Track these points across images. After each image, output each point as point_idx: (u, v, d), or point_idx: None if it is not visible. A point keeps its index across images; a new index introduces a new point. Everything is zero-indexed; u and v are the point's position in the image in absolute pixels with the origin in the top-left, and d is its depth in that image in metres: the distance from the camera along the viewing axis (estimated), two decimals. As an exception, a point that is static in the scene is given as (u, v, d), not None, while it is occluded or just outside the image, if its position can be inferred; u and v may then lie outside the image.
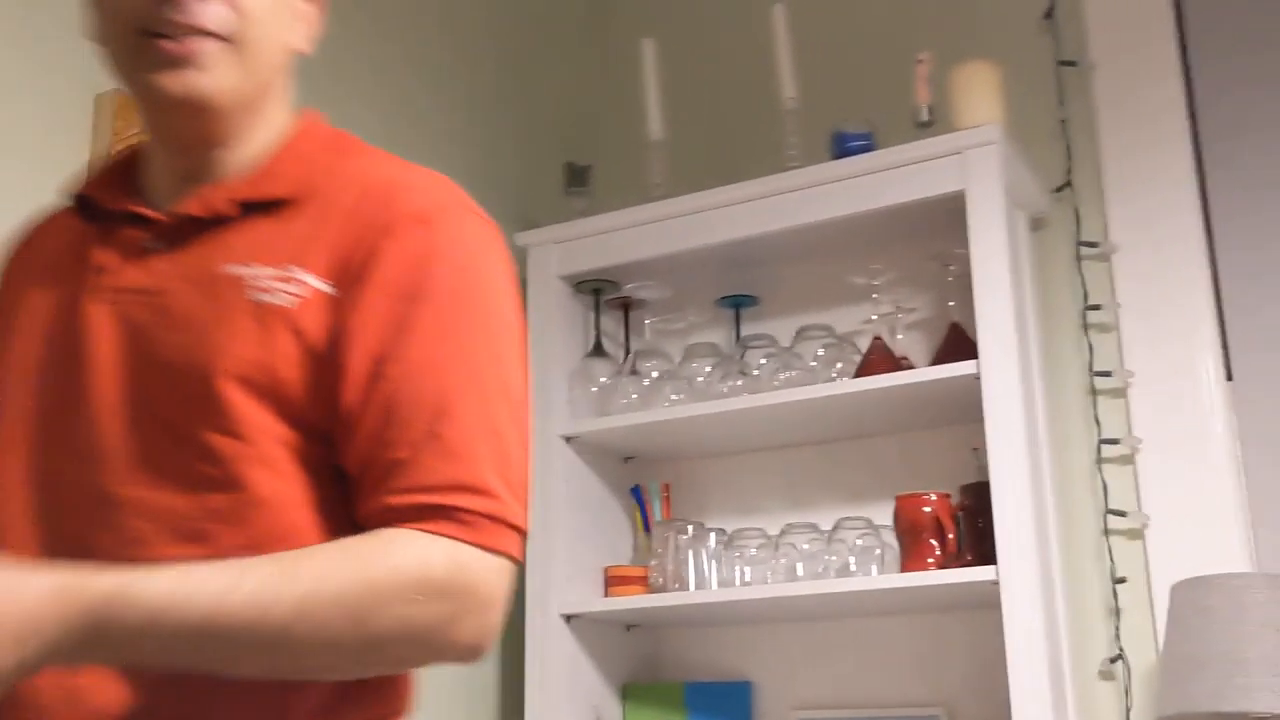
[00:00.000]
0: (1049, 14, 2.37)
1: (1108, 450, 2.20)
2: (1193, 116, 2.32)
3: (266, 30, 1.04)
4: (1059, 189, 2.32)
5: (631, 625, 2.47)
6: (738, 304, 2.48)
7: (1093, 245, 2.28)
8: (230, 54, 1.02)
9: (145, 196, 1.09)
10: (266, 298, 0.99)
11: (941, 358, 2.17)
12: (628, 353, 2.49)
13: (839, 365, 2.27)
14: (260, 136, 1.08)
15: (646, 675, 2.48)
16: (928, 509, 2.09)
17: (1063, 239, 2.31)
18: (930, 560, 2.08)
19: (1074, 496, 2.21)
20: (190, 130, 1.05)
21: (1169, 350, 2.19)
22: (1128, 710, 2.09)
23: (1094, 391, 2.24)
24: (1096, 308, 2.25)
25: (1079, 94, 2.35)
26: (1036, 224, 2.32)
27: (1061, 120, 2.34)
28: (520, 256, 2.51)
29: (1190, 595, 1.90)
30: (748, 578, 2.26)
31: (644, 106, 2.47)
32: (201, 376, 0.97)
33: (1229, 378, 2.21)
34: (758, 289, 2.49)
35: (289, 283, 1.00)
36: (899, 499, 2.13)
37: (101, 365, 1.00)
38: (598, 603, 2.32)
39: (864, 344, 2.28)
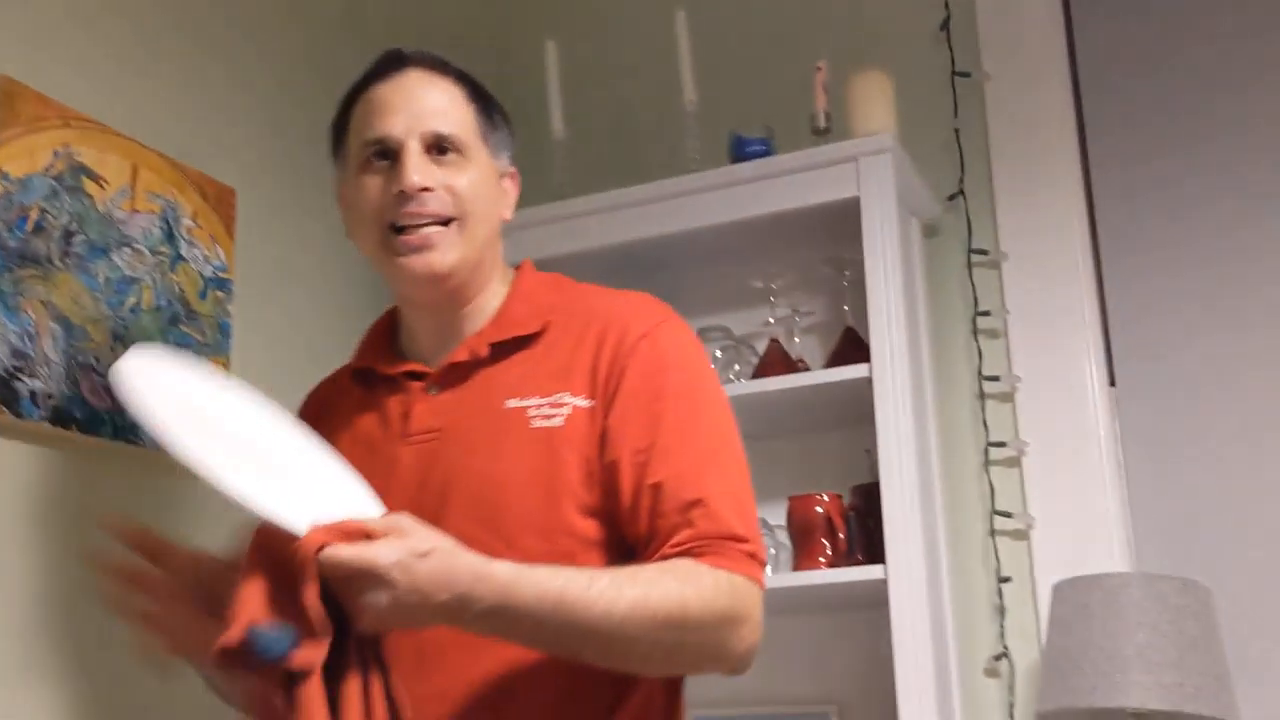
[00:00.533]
0: (944, 25, 2.42)
1: (995, 453, 2.25)
2: (1081, 129, 2.39)
3: (479, 207, 1.37)
4: (951, 197, 2.37)
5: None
6: (637, 305, 2.49)
7: (983, 253, 2.33)
8: (454, 233, 1.35)
9: (413, 355, 1.42)
10: (544, 423, 1.29)
11: (835, 360, 2.20)
12: (527, 352, 2.49)
13: (736, 367, 2.29)
14: (493, 289, 1.41)
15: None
16: (819, 509, 2.12)
17: (954, 246, 2.36)
18: (821, 559, 2.11)
19: (962, 497, 2.26)
20: (434, 296, 1.37)
21: (1055, 356, 2.25)
22: (1011, 706, 2.14)
23: (983, 395, 2.29)
24: (986, 314, 2.31)
25: (972, 104, 2.40)
26: (930, 230, 2.37)
27: (955, 130, 2.39)
28: (419, 254, 2.49)
29: (1071, 594, 1.96)
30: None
31: (546, 107, 2.47)
32: (503, 498, 1.28)
33: (1112, 384, 2.28)
34: (656, 290, 2.43)
35: (559, 406, 1.29)
36: (792, 499, 2.16)
37: (417, 494, 1.29)
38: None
39: (761, 346, 2.31)
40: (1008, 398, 2.27)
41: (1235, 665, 1.93)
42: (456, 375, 1.36)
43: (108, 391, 1.74)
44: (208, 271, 2.04)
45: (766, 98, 2.50)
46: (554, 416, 1.29)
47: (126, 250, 1.91)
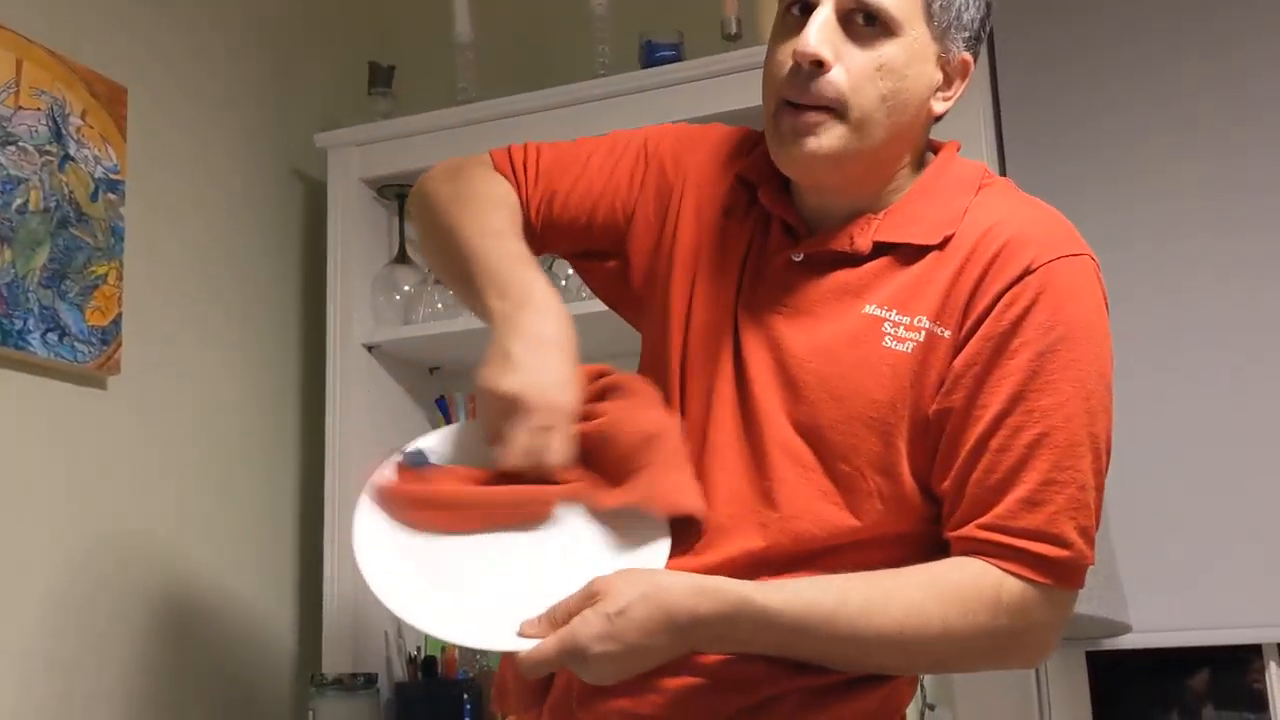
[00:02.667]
0: None
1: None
2: (992, 67, 2.38)
3: (872, 100, 1.16)
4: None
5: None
6: (545, 212, 2.46)
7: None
8: (841, 124, 1.16)
9: (798, 205, 1.26)
10: (898, 346, 1.16)
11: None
12: (432, 260, 2.45)
13: (643, 276, 2.28)
14: (893, 184, 1.23)
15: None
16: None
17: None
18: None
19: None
20: (816, 183, 1.23)
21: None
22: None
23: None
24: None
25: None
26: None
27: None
28: (320, 158, 2.43)
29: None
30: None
31: (451, 8, 2.41)
32: (841, 414, 1.17)
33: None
34: None
35: (915, 331, 1.15)
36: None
37: (752, 367, 1.20)
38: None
39: (669, 255, 2.29)
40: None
41: (1124, 566, 2.01)
42: (829, 259, 1.21)
43: (-5, 296, 1.68)
44: (99, 172, 1.97)
45: (677, 3, 2.47)
46: (906, 341, 1.15)
47: (11, 149, 1.83)
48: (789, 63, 1.17)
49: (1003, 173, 2.31)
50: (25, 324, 1.82)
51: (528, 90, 2.29)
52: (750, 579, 1.13)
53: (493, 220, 1.32)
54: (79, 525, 1.93)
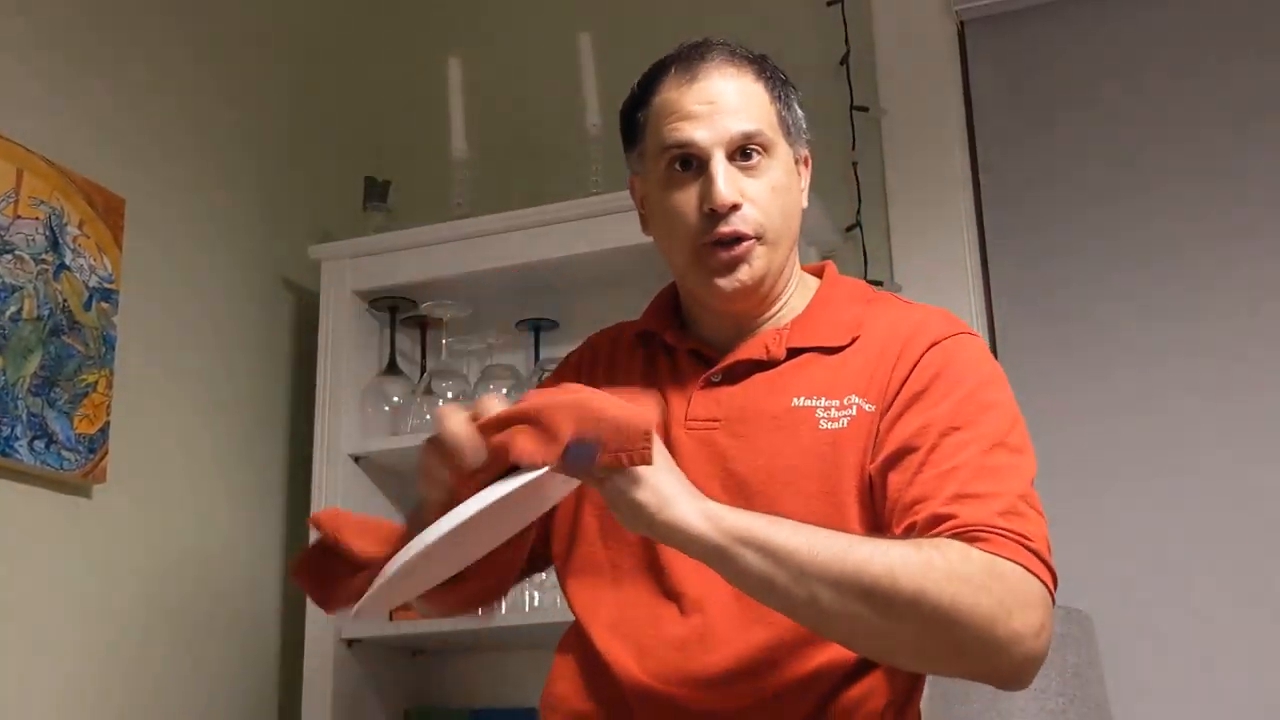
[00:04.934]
0: (844, 61, 2.46)
1: (887, 481, 2.28)
2: (974, 166, 2.45)
3: (784, 214, 1.32)
4: (849, 228, 2.40)
5: (417, 651, 2.43)
6: (537, 326, 2.47)
7: (878, 284, 2.36)
8: (762, 246, 1.30)
9: (698, 333, 1.38)
10: (833, 425, 1.25)
11: (733, 387, 2.21)
12: (423, 372, 2.46)
13: (634, 391, 2.29)
14: (792, 287, 1.37)
15: (431, 701, 2.44)
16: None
17: (852, 276, 2.39)
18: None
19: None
20: (743, 306, 1.34)
21: (946, 387, 2.28)
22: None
23: (876, 424, 2.31)
24: (880, 344, 2.33)
25: (870, 139, 2.44)
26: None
27: (853, 163, 2.43)
28: (314, 270, 2.45)
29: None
30: (537, 602, 2.25)
31: (448, 124, 2.46)
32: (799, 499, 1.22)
33: (1000, 415, 2.32)
34: (558, 312, 2.49)
35: (847, 409, 1.26)
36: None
37: (697, 480, 1.17)
38: (383, 627, 2.27)
39: (659, 371, 2.31)
40: (900, 427, 2.30)
41: (1115, 692, 1.98)
42: (745, 369, 1.33)
43: (-17, 403, 1.67)
44: (93, 281, 1.99)
45: (669, 124, 2.51)
46: (840, 419, 1.26)
47: (8, 257, 1.85)
48: (698, 212, 1.29)
49: (985, 271, 2.34)
50: (13, 431, 1.81)
51: (522, 207, 2.32)
52: (759, 672, 1.20)
53: None
54: (61, 633, 1.90)
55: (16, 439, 1.82)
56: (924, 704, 2.10)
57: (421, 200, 2.58)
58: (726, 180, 1.28)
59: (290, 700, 2.28)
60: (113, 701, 1.98)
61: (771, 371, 1.32)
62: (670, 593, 1.27)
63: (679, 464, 1.17)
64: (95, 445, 1.95)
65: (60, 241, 1.93)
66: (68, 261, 1.94)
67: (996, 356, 2.33)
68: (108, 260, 2.01)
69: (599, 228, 2.27)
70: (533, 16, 2.78)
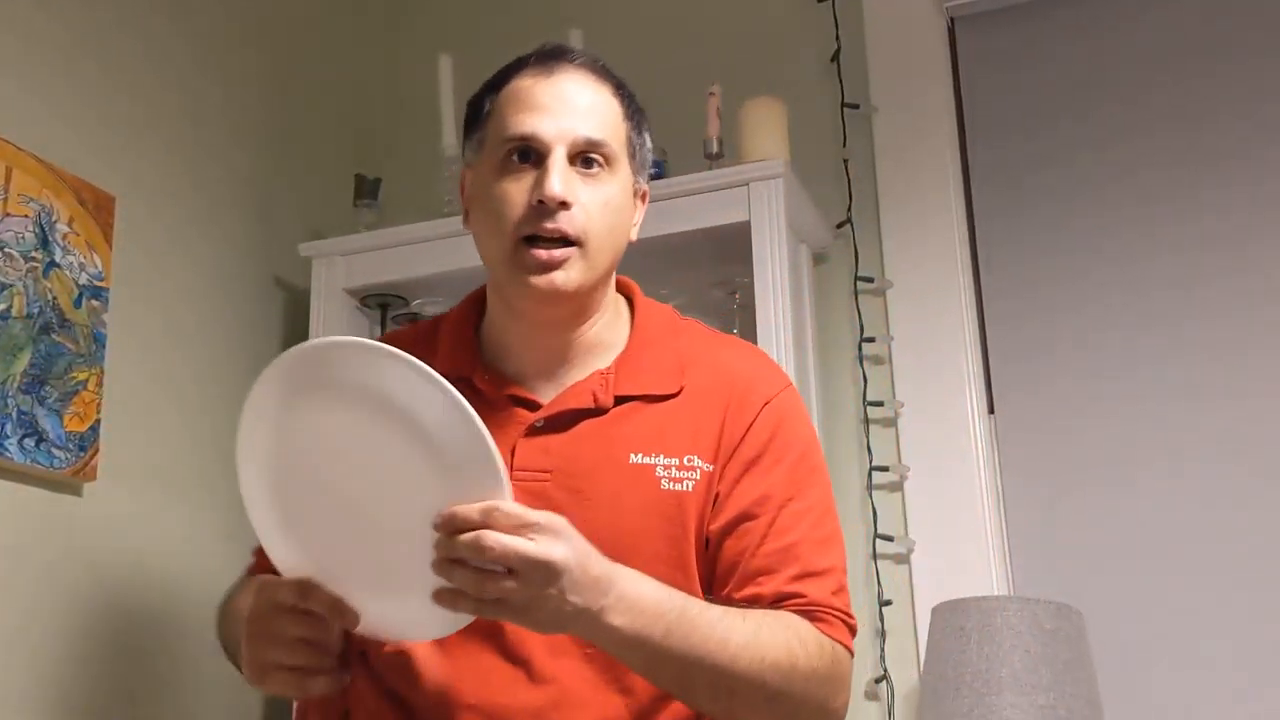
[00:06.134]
0: (834, 58, 2.46)
1: (878, 477, 2.28)
2: (964, 162, 2.45)
3: (611, 231, 1.30)
4: (840, 225, 2.41)
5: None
6: (527, 324, 2.47)
7: (869, 281, 2.37)
8: (581, 255, 1.27)
9: (512, 372, 1.33)
10: (676, 486, 1.26)
11: (724, 384, 2.21)
12: (414, 370, 2.45)
13: (625, 388, 2.29)
14: (607, 315, 1.35)
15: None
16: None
17: (843, 273, 2.40)
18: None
19: (846, 520, 2.26)
20: (552, 315, 1.31)
21: (936, 384, 2.29)
22: (890, 729, 2.17)
23: (867, 420, 2.32)
24: (871, 340, 2.34)
25: (861, 136, 2.44)
26: (819, 258, 2.40)
27: (844, 160, 2.43)
28: (304, 268, 2.45)
29: (948, 617, 1.99)
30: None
31: (438, 122, 2.45)
32: (629, 558, 1.17)
33: (991, 411, 2.33)
34: None
35: (689, 470, 1.27)
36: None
37: None
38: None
39: (650, 368, 2.31)
40: (890, 423, 2.31)
41: (1105, 688, 1.99)
42: (571, 417, 1.29)
43: (-27, 401, 1.67)
44: (83, 279, 1.98)
45: (661, 122, 2.49)
46: (684, 480, 1.27)
47: (-3, 255, 1.84)
48: (527, 203, 1.26)
49: (976, 268, 2.35)
50: (3, 429, 1.81)
51: (512, 204, 2.32)
52: None
53: None
54: (51, 633, 1.90)
55: (6, 437, 1.81)
56: (915, 700, 2.11)
57: (412, 198, 2.58)
58: (563, 177, 1.26)
59: (276, 700, 2.27)
60: (100, 700, 1.98)
61: (601, 420, 1.29)
62: (513, 658, 1.23)
63: None
64: (86, 443, 1.95)
65: (50, 239, 1.93)
66: (58, 259, 1.94)
67: (988, 355, 2.36)
68: (98, 258, 2.01)
69: (590, 225, 2.26)
70: (523, 13, 2.78)
